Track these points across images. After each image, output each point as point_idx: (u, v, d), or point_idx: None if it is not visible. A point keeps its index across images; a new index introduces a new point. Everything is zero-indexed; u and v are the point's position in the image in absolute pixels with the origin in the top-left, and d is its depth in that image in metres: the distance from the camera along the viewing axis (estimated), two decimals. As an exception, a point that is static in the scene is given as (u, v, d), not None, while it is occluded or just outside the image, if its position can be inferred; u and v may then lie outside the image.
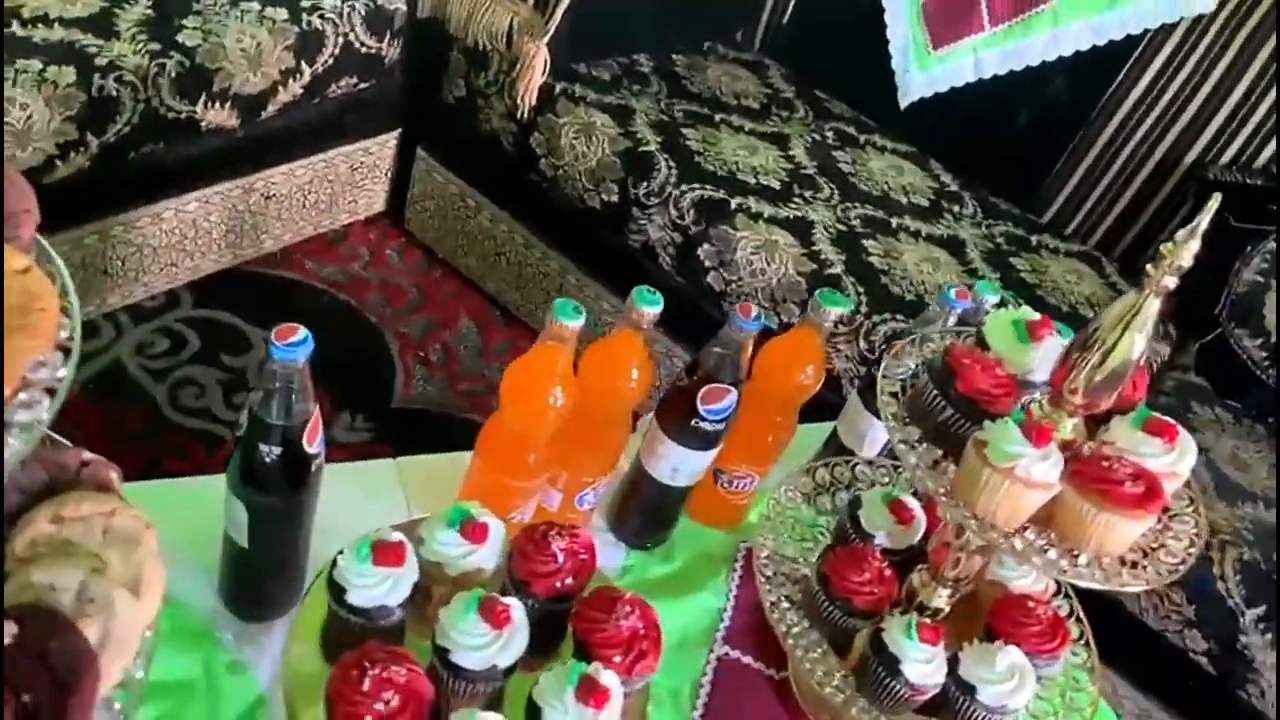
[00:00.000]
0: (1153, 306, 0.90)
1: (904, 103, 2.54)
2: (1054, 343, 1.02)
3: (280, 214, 2.41)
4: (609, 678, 0.89)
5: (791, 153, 2.36)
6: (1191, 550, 0.96)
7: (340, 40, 2.20)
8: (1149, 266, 0.89)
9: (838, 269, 2.04)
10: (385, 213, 2.67)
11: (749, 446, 1.26)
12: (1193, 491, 1.02)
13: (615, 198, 2.19)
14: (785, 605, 1.14)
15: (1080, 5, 2.34)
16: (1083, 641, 1.20)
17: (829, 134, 2.48)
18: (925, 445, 1.00)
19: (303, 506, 1.00)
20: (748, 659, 1.22)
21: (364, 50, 2.27)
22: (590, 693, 0.87)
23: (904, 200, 2.35)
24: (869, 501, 1.19)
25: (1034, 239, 2.39)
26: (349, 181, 2.51)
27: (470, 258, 2.54)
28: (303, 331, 0.90)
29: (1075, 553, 0.94)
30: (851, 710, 1.08)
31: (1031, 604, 1.11)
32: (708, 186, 2.15)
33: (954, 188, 2.47)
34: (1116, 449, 0.97)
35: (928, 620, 1.07)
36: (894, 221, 2.25)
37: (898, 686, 1.04)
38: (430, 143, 2.52)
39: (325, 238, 2.56)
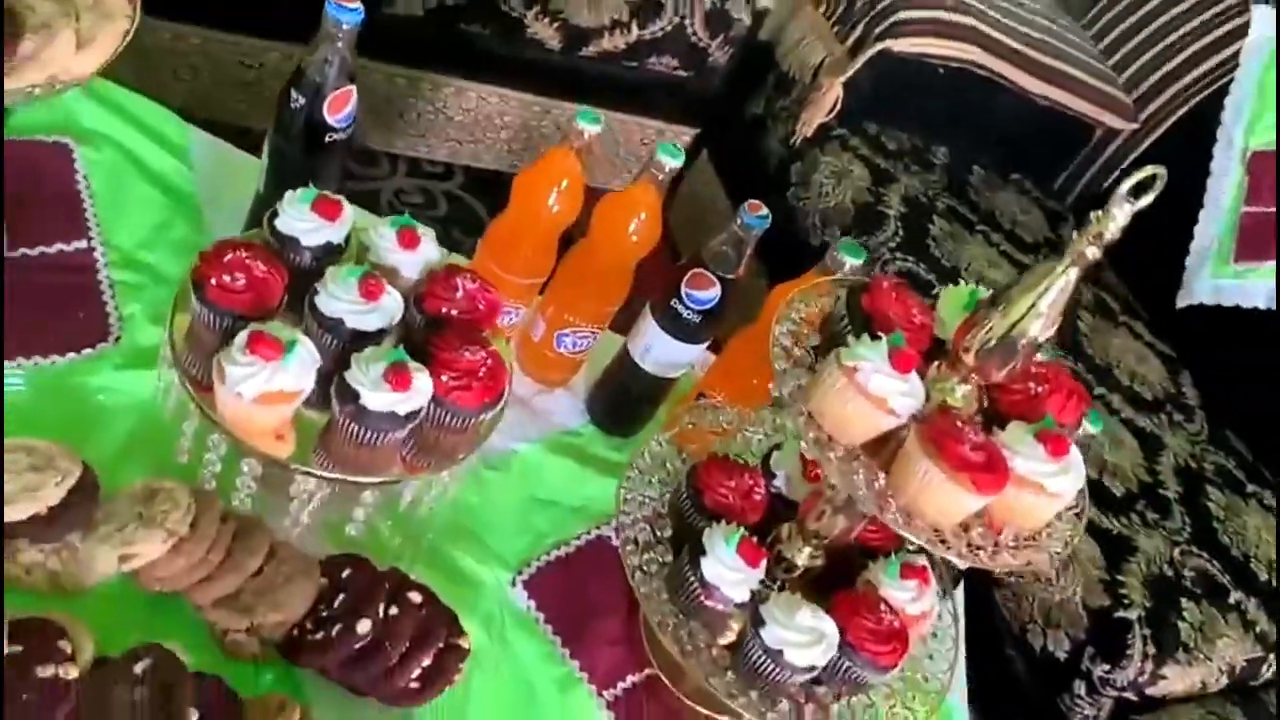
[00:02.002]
0: (1069, 276, 0.84)
1: (1181, 303, 2.38)
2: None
3: (559, 149, 2.65)
4: (420, 374, 0.95)
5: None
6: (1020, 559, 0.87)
7: (676, 20, 2.42)
8: (1074, 234, 0.84)
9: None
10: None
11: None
12: (1075, 532, 0.92)
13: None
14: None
15: None
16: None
17: (1089, 297, 2.37)
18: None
19: (312, 170, 1.13)
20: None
21: (694, 40, 2.47)
22: (399, 375, 0.93)
23: (1126, 381, 2.19)
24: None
25: (1250, 487, 2.14)
26: (632, 152, 2.71)
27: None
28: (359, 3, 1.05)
29: (889, 492, 0.88)
30: (656, 598, 1.05)
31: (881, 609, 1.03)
32: (922, 266, 2.13)
33: (1191, 402, 2.26)
34: (999, 441, 0.90)
35: (752, 541, 1.02)
36: (1100, 390, 2.11)
37: (694, 582, 1.01)
38: (714, 148, 2.67)
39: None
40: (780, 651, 0.98)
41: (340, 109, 1.11)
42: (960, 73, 2.32)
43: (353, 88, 1.11)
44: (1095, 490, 1.90)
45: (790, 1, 2.51)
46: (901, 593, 1.06)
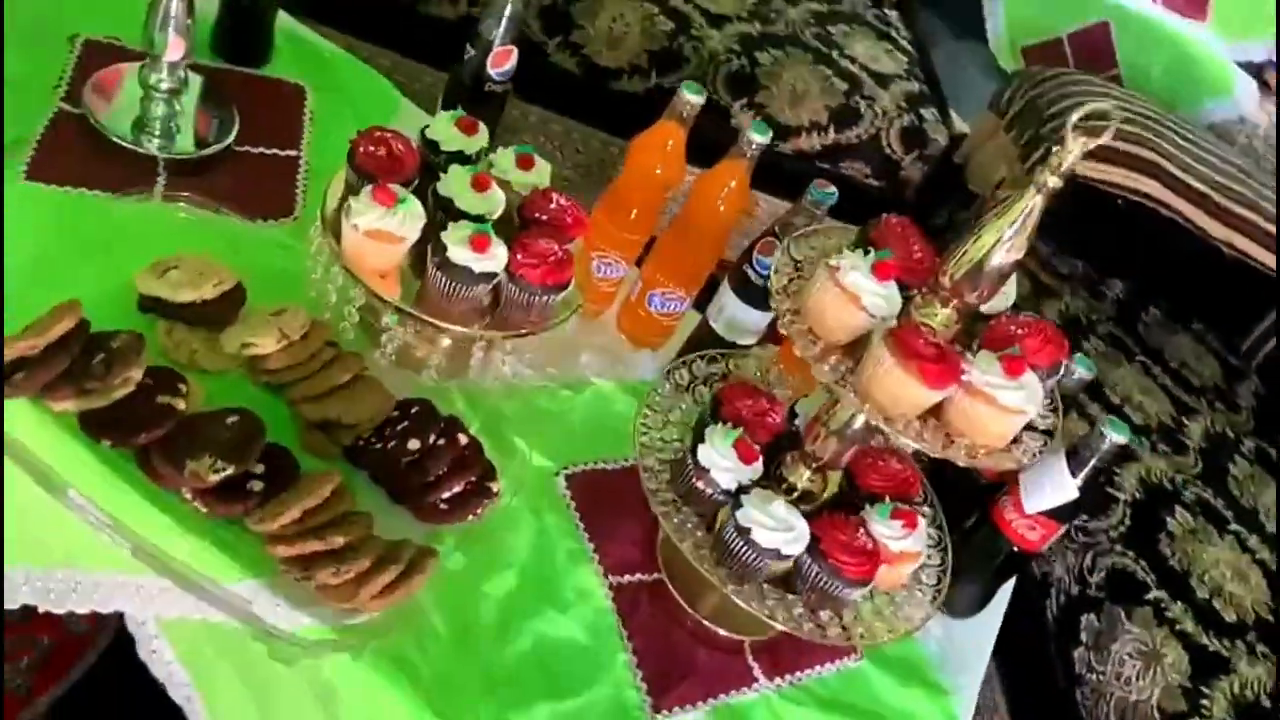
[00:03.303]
0: (1032, 203, 0.95)
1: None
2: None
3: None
4: (499, 246, 1.16)
5: (1181, 436, 2.21)
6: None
7: (872, 130, 2.62)
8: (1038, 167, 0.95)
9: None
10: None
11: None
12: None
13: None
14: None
15: None
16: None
17: (1242, 446, 2.29)
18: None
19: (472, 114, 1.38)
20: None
21: (888, 152, 2.66)
22: (481, 240, 1.15)
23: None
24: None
25: None
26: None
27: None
28: None
29: (850, 378, 1.00)
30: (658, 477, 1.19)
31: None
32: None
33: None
34: (967, 362, 1.01)
35: (749, 442, 1.14)
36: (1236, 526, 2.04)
37: (690, 465, 1.14)
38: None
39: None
40: (749, 530, 1.09)
41: (501, 64, 1.38)
42: (1140, 207, 2.37)
43: (514, 49, 1.38)
44: (1204, 612, 1.85)
45: (985, 127, 2.67)
46: (886, 529, 1.15)
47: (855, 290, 1.01)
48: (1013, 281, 1.09)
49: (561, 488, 1.30)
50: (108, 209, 1.29)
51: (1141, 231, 2.44)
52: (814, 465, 1.18)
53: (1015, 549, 1.33)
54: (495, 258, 1.17)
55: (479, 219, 1.21)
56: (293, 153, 1.49)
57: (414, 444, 1.17)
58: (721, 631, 1.24)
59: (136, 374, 1.10)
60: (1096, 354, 2.29)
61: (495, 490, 1.20)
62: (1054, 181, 0.94)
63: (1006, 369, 0.99)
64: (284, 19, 1.63)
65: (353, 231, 1.16)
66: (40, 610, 1.22)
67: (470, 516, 1.18)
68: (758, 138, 1.33)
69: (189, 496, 1.08)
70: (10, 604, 1.25)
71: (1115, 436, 1.23)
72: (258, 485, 1.09)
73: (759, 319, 1.39)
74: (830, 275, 1.02)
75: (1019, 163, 2.44)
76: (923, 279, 1.07)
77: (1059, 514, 1.29)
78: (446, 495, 1.17)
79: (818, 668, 1.27)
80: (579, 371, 1.43)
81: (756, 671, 1.24)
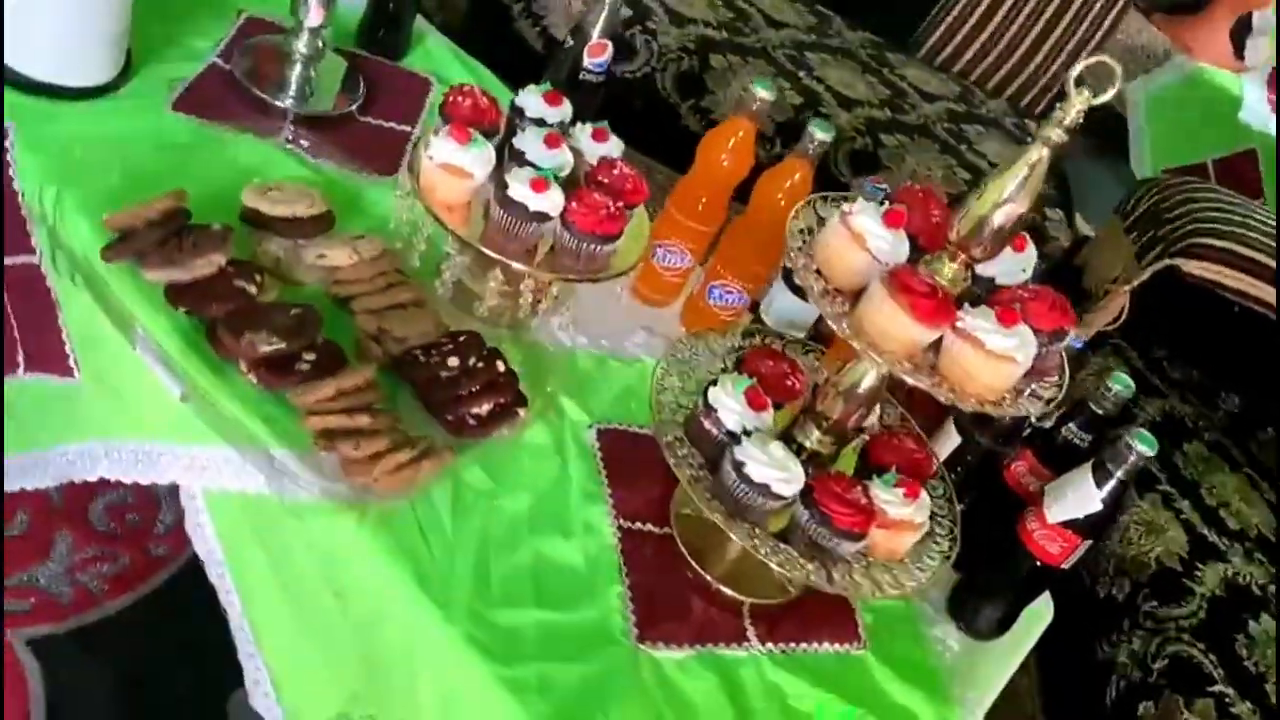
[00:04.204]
0: (1035, 155, 0.99)
1: None
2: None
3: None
4: (557, 190, 1.26)
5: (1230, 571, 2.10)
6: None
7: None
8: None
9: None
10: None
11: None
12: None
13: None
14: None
15: None
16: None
17: None
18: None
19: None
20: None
21: (1006, 245, 2.68)
22: (541, 182, 1.26)
23: None
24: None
25: None
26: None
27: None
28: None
29: (846, 312, 1.04)
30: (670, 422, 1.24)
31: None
32: (1164, 475, 2.10)
33: None
34: (963, 311, 1.04)
35: (760, 391, 1.18)
36: None
37: (699, 406, 1.19)
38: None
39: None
40: (743, 464, 1.12)
41: (597, 55, 1.51)
42: (1254, 315, 2.31)
43: (609, 43, 1.51)
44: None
45: (1108, 230, 2.66)
46: (887, 494, 1.16)
47: (861, 231, 1.05)
48: (1031, 254, 1.12)
49: (591, 438, 1.36)
50: (234, 141, 1.46)
51: (1259, 344, 2.37)
52: (823, 425, 1.21)
53: (1038, 564, 1.31)
54: (551, 200, 1.27)
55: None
56: (408, 128, 1.65)
57: (454, 361, 1.26)
58: (725, 590, 1.26)
59: (219, 258, 1.24)
60: (1198, 457, 2.21)
61: (521, 415, 1.27)
62: (1057, 135, 0.98)
63: (999, 316, 1.01)
64: (421, 23, 1.82)
65: (428, 162, 1.28)
66: (111, 480, 1.36)
67: (494, 433, 1.26)
68: (820, 134, 1.40)
69: (244, 369, 1.20)
70: (89, 475, 1.40)
71: (1142, 448, 1.21)
72: (305, 366, 1.20)
73: (808, 312, 1.44)
74: (841, 219, 1.07)
75: (1134, 261, 2.42)
76: (940, 244, 1.11)
77: (1081, 527, 1.26)
78: (475, 411, 1.25)
79: (816, 644, 1.27)
80: (631, 349, 1.50)
81: (751, 634, 1.25)
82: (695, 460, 1.20)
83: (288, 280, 1.33)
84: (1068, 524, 1.27)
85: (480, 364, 1.28)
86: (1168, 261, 2.32)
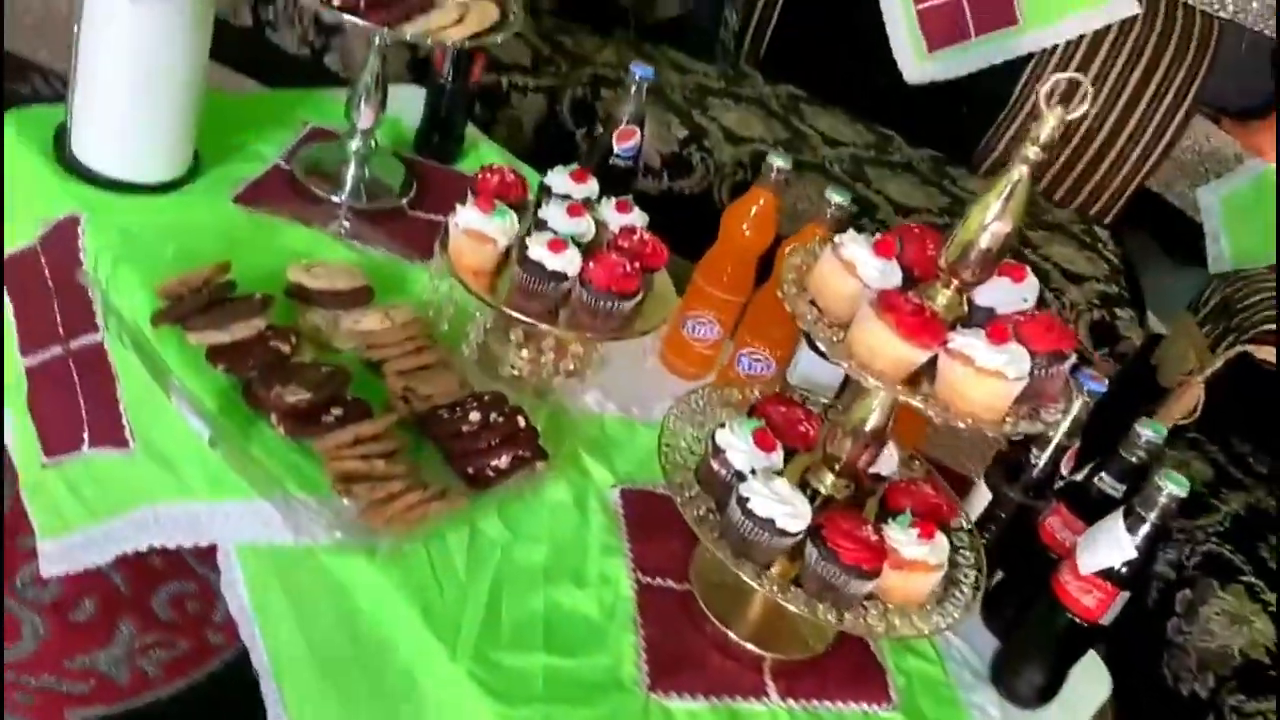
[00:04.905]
0: (1017, 175, 1.00)
1: None
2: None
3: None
4: (574, 251, 1.32)
5: None
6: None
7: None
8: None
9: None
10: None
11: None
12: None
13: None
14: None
15: None
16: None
17: None
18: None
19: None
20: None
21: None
22: (559, 244, 1.32)
23: None
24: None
25: None
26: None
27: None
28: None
29: (838, 337, 1.05)
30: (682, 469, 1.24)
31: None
32: (1227, 547, 2.00)
33: None
34: (954, 334, 1.04)
35: (769, 434, 1.18)
36: None
37: (709, 448, 1.20)
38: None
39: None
40: (747, 499, 1.12)
41: (625, 141, 1.59)
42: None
43: (637, 129, 1.58)
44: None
45: (1181, 325, 2.60)
46: (901, 534, 1.14)
47: (851, 260, 1.07)
48: (1033, 284, 1.12)
49: (614, 498, 1.37)
50: (288, 229, 1.57)
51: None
52: (835, 468, 1.20)
53: (1075, 619, 1.25)
54: (568, 260, 1.32)
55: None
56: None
57: (475, 416, 1.30)
58: (745, 645, 1.23)
59: (259, 322, 1.32)
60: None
61: (539, 468, 1.30)
62: (1034, 153, 1.00)
63: (989, 334, 1.01)
64: (474, 131, 1.94)
65: (454, 229, 1.36)
66: (157, 545, 1.42)
67: (512, 482, 1.28)
68: (837, 199, 1.44)
69: (274, 421, 1.26)
70: (140, 544, 1.46)
71: (1173, 489, 1.17)
72: (331, 419, 1.25)
73: (832, 373, 1.45)
74: (833, 249, 1.09)
75: (1207, 352, 2.36)
76: (936, 277, 1.12)
77: (1116, 577, 1.21)
78: (494, 463, 1.28)
79: (841, 703, 1.23)
80: (660, 415, 1.52)
81: (771, 689, 1.21)
82: (704, 503, 1.20)
83: (327, 348, 1.40)
84: (1102, 574, 1.22)
85: (501, 419, 1.32)
86: (1240, 348, 2.25)
